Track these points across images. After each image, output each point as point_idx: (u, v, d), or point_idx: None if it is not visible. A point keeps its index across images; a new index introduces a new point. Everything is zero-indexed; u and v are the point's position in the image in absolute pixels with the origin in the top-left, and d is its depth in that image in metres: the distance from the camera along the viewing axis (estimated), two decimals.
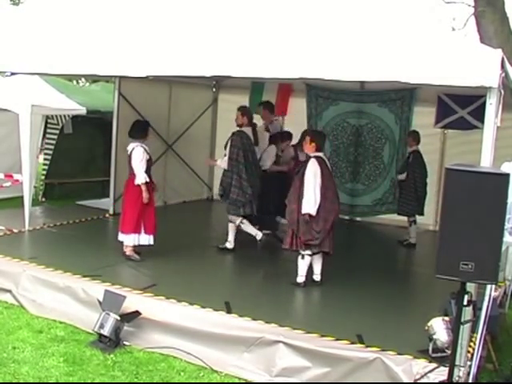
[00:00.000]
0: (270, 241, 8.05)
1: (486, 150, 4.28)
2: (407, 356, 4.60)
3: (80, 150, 11.53)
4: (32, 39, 6.15)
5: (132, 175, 6.93)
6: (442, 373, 4.34)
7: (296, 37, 4.84)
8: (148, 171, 6.95)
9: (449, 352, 4.25)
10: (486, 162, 4.26)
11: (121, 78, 9.02)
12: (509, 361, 5.33)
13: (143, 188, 6.85)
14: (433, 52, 4.35)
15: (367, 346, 4.77)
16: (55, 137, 11.17)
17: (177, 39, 5.30)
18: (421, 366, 4.50)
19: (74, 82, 18.75)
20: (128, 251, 6.96)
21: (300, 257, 6.42)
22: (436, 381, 4.39)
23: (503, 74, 4.18)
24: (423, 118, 9.80)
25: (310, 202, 6.21)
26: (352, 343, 4.84)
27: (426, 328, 4.72)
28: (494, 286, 4.81)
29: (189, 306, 5.45)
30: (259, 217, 7.92)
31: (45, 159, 11.36)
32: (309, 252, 6.38)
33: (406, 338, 5.00)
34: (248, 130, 7.60)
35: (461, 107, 9.43)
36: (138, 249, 7.01)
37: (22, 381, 4.60)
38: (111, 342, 5.21)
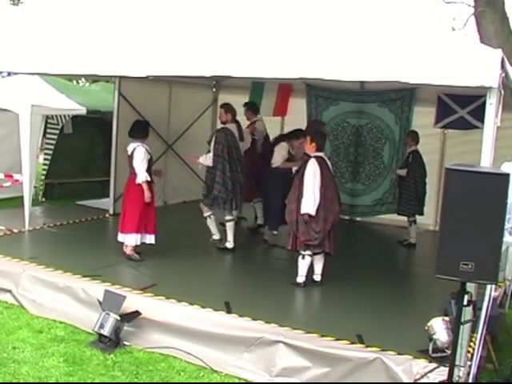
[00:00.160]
0: (271, 240, 8.07)
1: (486, 150, 4.28)
2: (407, 356, 4.61)
3: (80, 150, 11.53)
4: (32, 39, 6.15)
5: (133, 175, 6.93)
6: (442, 373, 4.34)
7: (296, 37, 4.83)
8: (149, 171, 6.95)
9: (449, 352, 4.25)
10: (486, 162, 4.26)
11: (121, 77, 9.02)
12: (509, 361, 5.33)
13: (145, 187, 6.85)
14: (433, 52, 4.35)
15: (367, 346, 4.77)
16: (55, 137, 11.17)
17: (177, 39, 5.29)
18: (421, 365, 4.50)
19: (74, 82, 18.75)
20: (128, 251, 6.95)
21: (300, 257, 6.42)
22: (436, 381, 4.39)
23: (503, 74, 4.18)
24: (423, 118, 9.79)
25: (310, 201, 6.21)
26: (352, 343, 4.84)
27: (426, 328, 4.72)
28: (493, 286, 4.81)
29: (189, 306, 5.45)
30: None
31: (45, 159, 11.35)
32: (309, 252, 6.38)
33: (406, 338, 5.00)
34: (232, 127, 7.65)
35: (461, 107, 9.42)
36: (138, 249, 7.01)
37: (22, 381, 4.60)
38: (111, 342, 5.21)
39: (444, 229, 3.65)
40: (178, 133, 10.75)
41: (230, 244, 7.72)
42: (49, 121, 10.80)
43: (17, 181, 8.62)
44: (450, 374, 3.97)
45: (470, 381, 4.46)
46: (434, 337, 4.65)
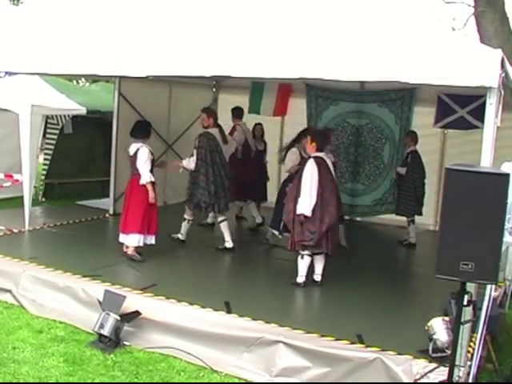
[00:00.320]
0: (271, 240, 8.07)
1: (486, 150, 4.28)
2: (407, 356, 4.61)
3: (80, 150, 11.53)
4: (32, 39, 6.15)
5: (136, 175, 6.91)
6: (442, 373, 4.34)
7: (296, 37, 4.84)
8: (151, 171, 6.95)
9: (449, 352, 4.25)
10: (486, 162, 4.26)
11: (121, 77, 9.02)
12: (509, 361, 5.33)
13: (149, 187, 6.85)
14: (433, 52, 4.35)
15: (367, 346, 4.77)
16: (55, 137, 11.17)
17: (177, 39, 5.30)
18: (421, 366, 4.50)
19: (74, 82, 18.74)
20: (130, 251, 6.94)
21: (300, 257, 6.42)
22: (436, 381, 4.39)
23: (503, 74, 4.18)
24: (423, 118, 9.80)
25: (305, 202, 6.19)
26: (352, 343, 4.84)
27: (426, 328, 4.72)
28: (493, 286, 4.81)
29: (189, 306, 5.45)
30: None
31: (45, 159, 11.35)
32: (307, 252, 6.38)
33: (406, 338, 5.00)
34: (214, 131, 7.66)
35: (461, 107, 9.43)
36: (139, 249, 6.99)
37: (22, 381, 4.60)
38: (111, 342, 5.21)
39: (444, 229, 3.65)
40: (177, 133, 10.75)
41: (228, 244, 7.72)
42: (49, 121, 10.79)
43: (17, 181, 8.62)
44: (450, 374, 3.97)
45: (470, 381, 4.46)
46: (434, 337, 4.65)
